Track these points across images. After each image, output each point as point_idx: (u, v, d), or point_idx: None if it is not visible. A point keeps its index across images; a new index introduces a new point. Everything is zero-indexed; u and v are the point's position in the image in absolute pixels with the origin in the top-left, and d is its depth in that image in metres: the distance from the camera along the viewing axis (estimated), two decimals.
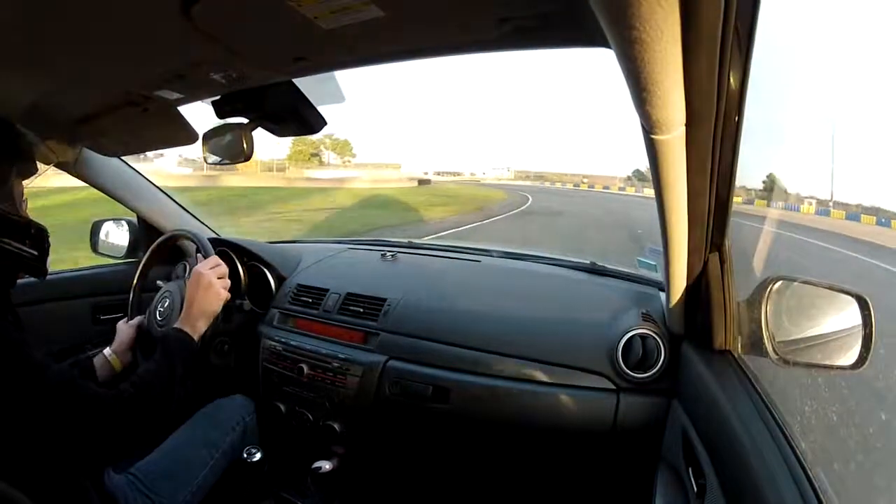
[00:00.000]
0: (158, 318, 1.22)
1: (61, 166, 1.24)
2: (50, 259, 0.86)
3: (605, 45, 0.46)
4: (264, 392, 1.30)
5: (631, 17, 0.35)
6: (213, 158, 1.02)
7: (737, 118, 0.57)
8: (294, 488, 1.27)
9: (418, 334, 1.17)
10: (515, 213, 16.51)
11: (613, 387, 1.00)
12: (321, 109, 0.92)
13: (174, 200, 1.58)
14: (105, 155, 1.31)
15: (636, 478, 0.97)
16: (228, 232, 1.71)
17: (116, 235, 1.58)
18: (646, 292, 1.22)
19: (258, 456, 1.11)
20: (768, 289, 0.76)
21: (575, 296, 1.27)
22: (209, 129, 1.00)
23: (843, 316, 0.70)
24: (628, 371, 0.99)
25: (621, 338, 1.01)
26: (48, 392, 0.71)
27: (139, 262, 1.35)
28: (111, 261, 1.58)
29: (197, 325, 0.99)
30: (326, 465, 1.21)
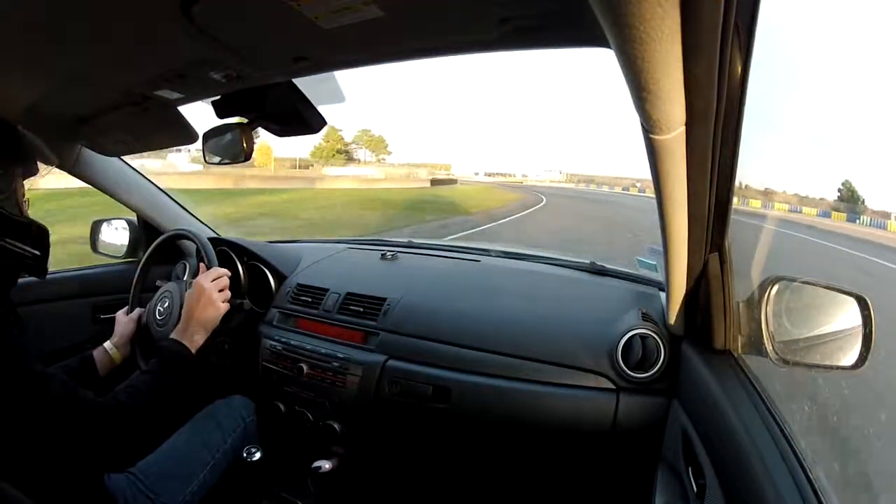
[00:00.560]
0: (158, 317, 1.23)
1: (61, 166, 1.25)
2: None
3: (605, 45, 0.46)
4: (264, 392, 1.30)
5: (631, 17, 0.35)
6: (212, 158, 1.03)
7: (737, 118, 0.57)
8: (294, 488, 1.27)
9: (418, 334, 1.17)
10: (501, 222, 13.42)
11: (613, 387, 1.00)
12: (321, 109, 0.92)
13: (174, 200, 1.59)
14: (105, 155, 1.31)
15: (636, 478, 0.97)
16: None
17: (116, 235, 1.58)
18: (646, 292, 1.22)
19: (258, 456, 1.11)
20: (768, 289, 0.76)
21: (575, 296, 1.27)
22: (209, 128, 1.00)
23: (842, 316, 0.70)
24: (628, 371, 0.99)
25: (621, 338, 1.01)
26: (49, 403, 0.72)
27: (139, 262, 1.35)
28: (111, 260, 1.58)
29: (195, 338, 0.99)
30: (326, 465, 1.21)
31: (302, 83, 0.86)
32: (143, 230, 1.55)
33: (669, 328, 0.98)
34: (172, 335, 1.01)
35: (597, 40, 0.54)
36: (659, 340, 0.99)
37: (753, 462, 0.58)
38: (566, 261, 1.47)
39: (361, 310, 1.26)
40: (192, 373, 0.96)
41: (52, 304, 1.37)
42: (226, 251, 1.39)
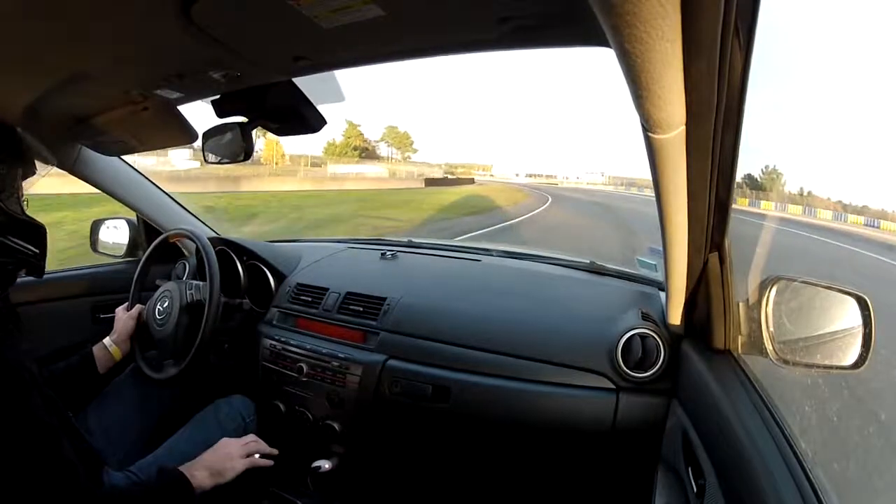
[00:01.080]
0: (157, 316, 1.23)
1: (61, 166, 1.24)
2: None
3: (605, 44, 0.46)
4: (264, 391, 1.30)
5: (631, 17, 0.35)
6: (212, 158, 1.03)
7: (737, 117, 0.57)
8: (294, 488, 1.27)
9: (418, 333, 1.17)
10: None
11: (613, 386, 1.00)
12: (321, 108, 0.92)
13: (174, 200, 1.58)
14: (105, 154, 1.31)
15: (636, 478, 0.97)
16: None
17: (116, 235, 1.58)
18: (646, 292, 1.23)
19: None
20: (768, 289, 0.76)
21: (575, 295, 1.27)
22: (209, 128, 1.00)
23: (842, 316, 0.70)
24: (628, 371, 0.99)
25: (621, 337, 1.01)
26: (49, 467, 0.73)
27: (139, 262, 1.36)
28: (111, 260, 1.58)
29: (203, 480, 0.93)
30: (326, 465, 1.21)
31: (302, 83, 0.86)
32: (143, 230, 1.56)
33: (669, 328, 0.98)
34: (182, 467, 0.93)
35: (597, 40, 0.54)
36: (659, 340, 0.99)
37: (753, 462, 0.58)
38: (566, 260, 1.47)
39: (361, 309, 1.26)
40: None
41: (51, 303, 1.38)
42: (225, 251, 1.39)
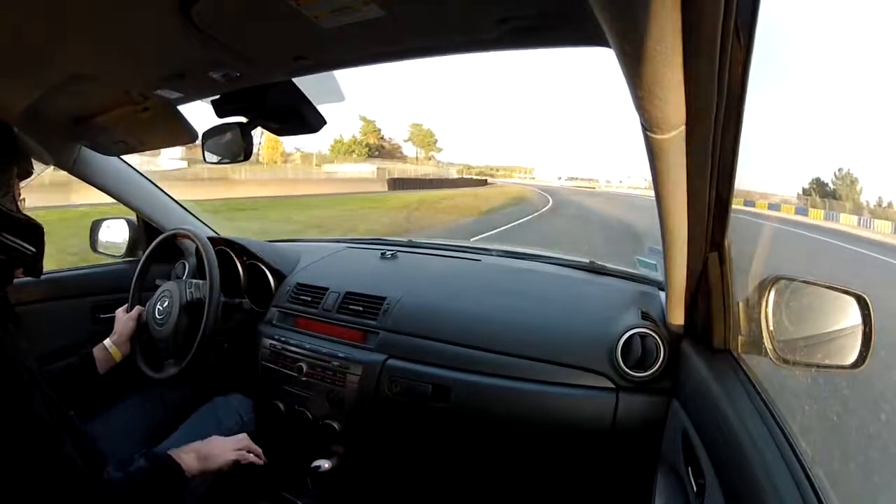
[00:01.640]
0: (157, 316, 1.23)
1: (61, 166, 1.24)
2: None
3: (605, 44, 0.46)
4: (263, 391, 1.30)
5: (631, 18, 0.35)
6: (212, 158, 1.03)
7: (737, 118, 0.57)
8: (293, 487, 1.27)
9: (418, 333, 1.17)
10: None
11: (613, 386, 1.00)
12: (321, 108, 0.92)
13: (174, 199, 1.58)
14: (105, 154, 1.31)
15: (636, 477, 0.97)
16: None
17: (116, 234, 1.58)
18: (645, 291, 1.23)
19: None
20: (768, 288, 0.75)
21: (575, 295, 1.27)
22: (209, 128, 1.00)
23: (843, 316, 0.70)
24: (628, 370, 0.99)
25: (621, 337, 1.01)
26: (50, 465, 0.73)
27: (139, 261, 1.35)
28: (110, 260, 1.58)
29: (190, 462, 0.94)
30: (326, 464, 1.21)
31: (302, 83, 0.86)
32: (143, 230, 1.55)
33: (669, 327, 0.98)
34: (175, 450, 0.94)
35: (597, 40, 0.54)
36: (658, 340, 0.99)
37: (753, 462, 0.58)
38: (566, 260, 1.47)
39: (361, 309, 1.26)
40: (178, 492, 0.91)
41: (51, 303, 1.37)
42: (225, 251, 1.39)
